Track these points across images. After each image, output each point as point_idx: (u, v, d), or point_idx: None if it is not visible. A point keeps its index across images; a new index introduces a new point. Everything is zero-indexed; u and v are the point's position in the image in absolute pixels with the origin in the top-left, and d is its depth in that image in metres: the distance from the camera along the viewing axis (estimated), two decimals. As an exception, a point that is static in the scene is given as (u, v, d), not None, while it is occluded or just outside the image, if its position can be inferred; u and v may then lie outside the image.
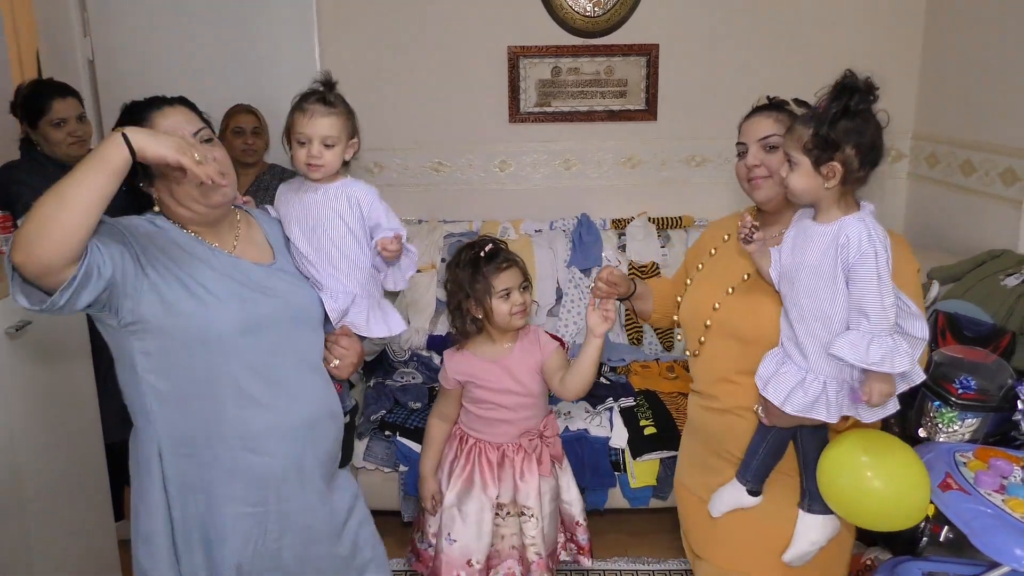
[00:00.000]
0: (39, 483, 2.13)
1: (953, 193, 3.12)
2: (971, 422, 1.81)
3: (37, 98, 2.53)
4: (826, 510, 1.60)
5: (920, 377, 1.48)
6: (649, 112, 3.43)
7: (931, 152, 3.31)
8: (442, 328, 3.22)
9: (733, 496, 1.69)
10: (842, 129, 1.42)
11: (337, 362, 1.69)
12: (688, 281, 1.84)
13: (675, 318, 1.85)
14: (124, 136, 1.28)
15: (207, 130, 1.56)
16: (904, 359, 1.39)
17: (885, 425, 1.97)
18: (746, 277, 1.68)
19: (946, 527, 1.81)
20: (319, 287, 1.69)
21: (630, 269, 3.29)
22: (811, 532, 1.61)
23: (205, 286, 1.49)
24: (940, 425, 1.83)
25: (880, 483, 1.51)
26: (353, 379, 2.89)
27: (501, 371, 2.10)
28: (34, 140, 2.57)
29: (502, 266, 2.04)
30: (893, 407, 1.48)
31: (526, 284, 2.08)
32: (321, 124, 1.64)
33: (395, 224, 1.73)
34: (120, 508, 2.81)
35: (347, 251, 1.69)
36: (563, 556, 2.32)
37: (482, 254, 2.06)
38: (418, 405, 2.78)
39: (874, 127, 1.43)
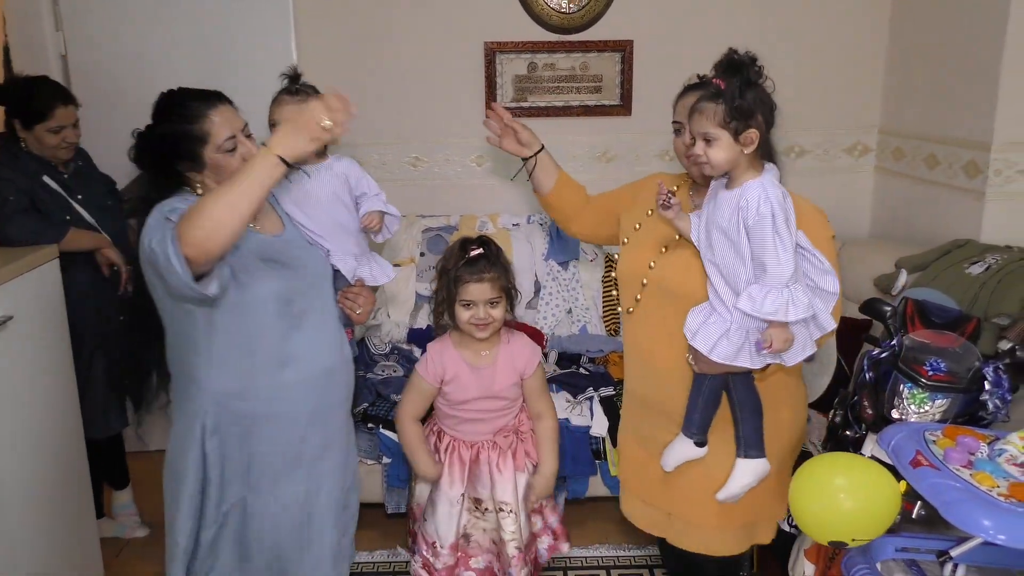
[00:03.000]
0: (19, 480, 2.12)
1: (918, 185, 3.21)
2: (941, 403, 1.87)
3: (39, 101, 2.48)
4: (759, 454, 1.77)
5: (831, 325, 1.68)
6: (624, 107, 3.48)
7: (896, 146, 3.40)
8: (422, 321, 3.24)
9: (682, 450, 1.82)
10: (751, 98, 1.57)
11: (360, 310, 1.95)
12: (625, 240, 1.95)
13: (613, 275, 1.99)
14: (280, 157, 1.50)
15: (247, 126, 1.77)
16: (797, 309, 1.55)
17: (858, 407, 2.04)
18: (678, 237, 1.81)
19: (918, 504, 1.88)
20: (326, 252, 1.94)
21: (607, 262, 3.34)
22: (744, 476, 1.78)
23: (244, 261, 1.72)
24: (912, 406, 1.89)
25: (852, 503, 1.61)
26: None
27: (481, 379, 2.11)
28: (20, 136, 2.51)
29: (473, 278, 2.03)
30: (810, 349, 1.67)
31: (496, 300, 2.05)
32: (287, 111, 1.86)
33: (375, 188, 2.01)
34: (101, 506, 2.80)
35: (343, 221, 1.96)
36: (541, 548, 2.28)
37: (464, 259, 2.06)
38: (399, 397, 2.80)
39: (768, 94, 1.63)
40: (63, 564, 2.30)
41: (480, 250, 2.06)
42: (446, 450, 2.17)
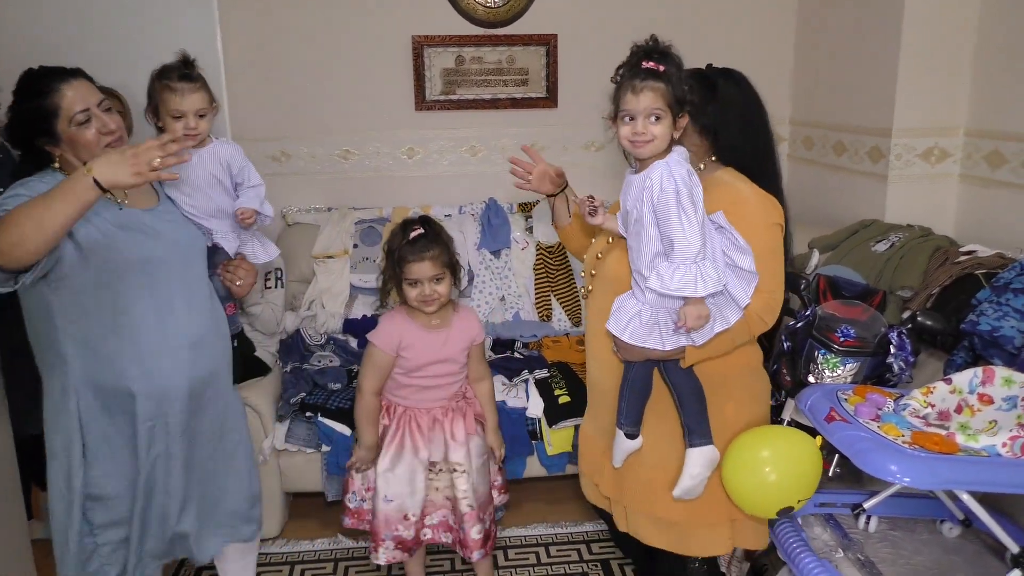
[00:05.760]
0: (-53, 479, 2.06)
1: (828, 172, 3.40)
2: (852, 366, 2.02)
3: None
4: (705, 441, 1.77)
5: (744, 300, 1.69)
6: (550, 99, 3.57)
7: (807, 135, 3.60)
8: (357, 312, 3.26)
9: (620, 444, 1.84)
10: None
11: (240, 282, 2.06)
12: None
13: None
14: (95, 180, 1.52)
15: (107, 100, 1.83)
16: (707, 284, 1.57)
17: (778, 376, 2.17)
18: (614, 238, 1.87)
19: (835, 461, 2.02)
20: (209, 233, 2.00)
21: (538, 250, 3.42)
22: (694, 467, 1.77)
23: (103, 230, 1.76)
24: (826, 370, 2.03)
25: (778, 476, 1.72)
26: (269, 362, 2.92)
27: (437, 342, 2.20)
28: None
29: (416, 257, 2.10)
30: (720, 325, 1.67)
31: (440, 276, 2.13)
32: (193, 99, 1.91)
33: (255, 180, 2.05)
34: (30, 507, 2.71)
35: (223, 204, 2.01)
36: (497, 500, 2.43)
37: (405, 239, 2.12)
38: (338, 386, 2.82)
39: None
40: (-7, 567, 2.24)
41: (420, 230, 2.13)
42: (400, 420, 2.24)
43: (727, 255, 1.70)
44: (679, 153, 1.67)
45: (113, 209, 1.80)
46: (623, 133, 1.65)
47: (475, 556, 2.28)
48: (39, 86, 1.75)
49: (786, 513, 1.77)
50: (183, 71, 1.92)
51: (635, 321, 1.69)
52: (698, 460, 1.77)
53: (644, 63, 1.61)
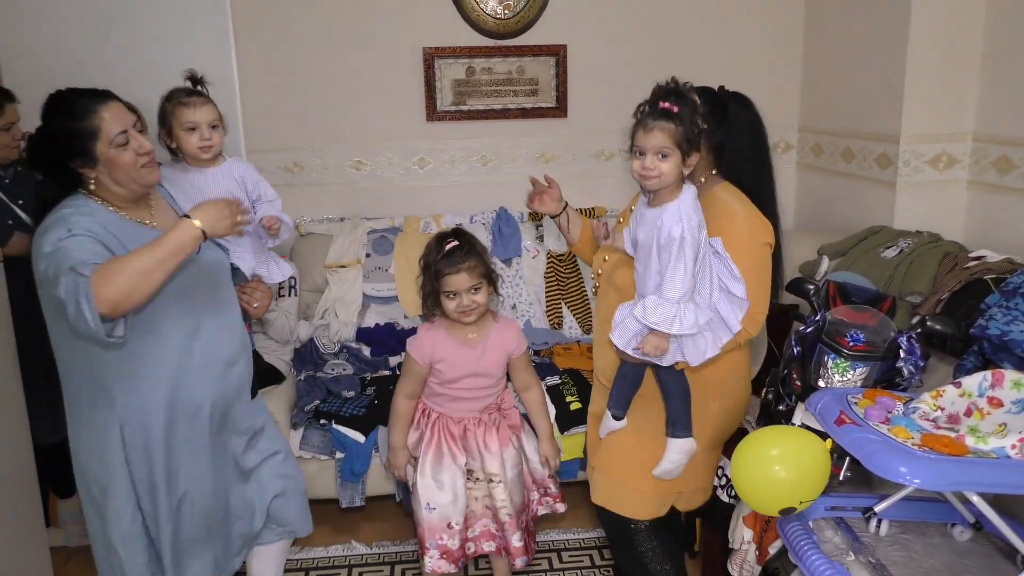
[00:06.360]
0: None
1: (836, 178, 3.42)
2: (861, 370, 2.02)
3: None
4: (686, 434, 1.98)
5: (736, 326, 1.86)
6: (560, 109, 3.61)
7: (815, 143, 3.61)
8: (370, 320, 3.29)
9: (607, 422, 2.06)
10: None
11: (257, 304, 2.08)
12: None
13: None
14: (200, 230, 1.63)
15: (139, 121, 1.84)
16: (683, 325, 1.74)
17: (788, 380, 2.19)
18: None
19: (845, 465, 2.03)
20: (226, 252, 2.00)
21: (549, 258, 3.45)
22: (673, 454, 1.98)
23: None
24: (835, 375, 2.04)
25: (787, 474, 1.75)
26: (283, 371, 2.95)
27: (472, 356, 2.22)
28: None
29: (452, 270, 2.13)
30: (711, 352, 1.85)
31: (477, 287, 2.16)
32: (206, 111, 1.97)
33: (272, 194, 2.09)
34: (48, 514, 2.75)
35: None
36: (540, 511, 2.45)
37: (440, 254, 2.15)
38: (351, 393, 2.85)
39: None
40: (12, 574, 2.27)
41: (455, 242, 2.16)
42: (433, 425, 2.29)
43: (722, 281, 1.84)
44: (690, 195, 1.80)
45: (146, 231, 1.80)
46: (634, 167, 1.80)
47: (519, 563, 2.33)
48: (76, 108, 1.72)
49: (788, 512, 1.79)
50: (192, 89, 1.99)
51: (637, 338, 1.84)
52: (678, 449, 1.98)
53: (661, 103, 1.74)
